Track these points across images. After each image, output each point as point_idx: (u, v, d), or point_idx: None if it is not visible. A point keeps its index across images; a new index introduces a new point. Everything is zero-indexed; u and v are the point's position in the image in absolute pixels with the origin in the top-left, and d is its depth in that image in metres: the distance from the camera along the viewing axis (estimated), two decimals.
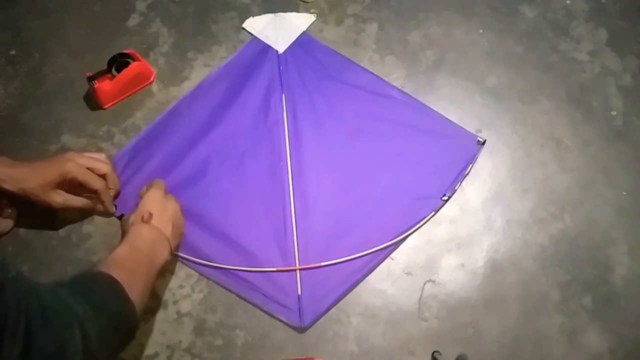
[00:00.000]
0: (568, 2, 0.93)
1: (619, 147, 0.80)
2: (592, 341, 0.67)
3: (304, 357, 0.65)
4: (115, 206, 0.71)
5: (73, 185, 0.66)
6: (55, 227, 0.72)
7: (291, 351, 0.66)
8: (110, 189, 0.70)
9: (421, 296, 0.69)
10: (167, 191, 0.72)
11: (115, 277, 0.52)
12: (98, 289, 0.51)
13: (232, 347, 0.66)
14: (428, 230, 0.73)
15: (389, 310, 0.68)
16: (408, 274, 0.71)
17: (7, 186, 0.62)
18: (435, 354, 0.65)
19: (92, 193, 0.68)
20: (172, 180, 0.74)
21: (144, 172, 0.75)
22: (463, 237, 0.73)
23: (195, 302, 0.68)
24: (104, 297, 0.50)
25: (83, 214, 0.72)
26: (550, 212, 0.75)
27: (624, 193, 0.77)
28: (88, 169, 0.67)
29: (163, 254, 0.62)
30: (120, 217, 0.71)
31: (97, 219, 0.73)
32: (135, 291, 0.54)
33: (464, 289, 0.70)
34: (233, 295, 0.69)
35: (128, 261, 0.57)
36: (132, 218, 0.64)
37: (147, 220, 0.63)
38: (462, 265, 0.71)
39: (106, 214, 0.71)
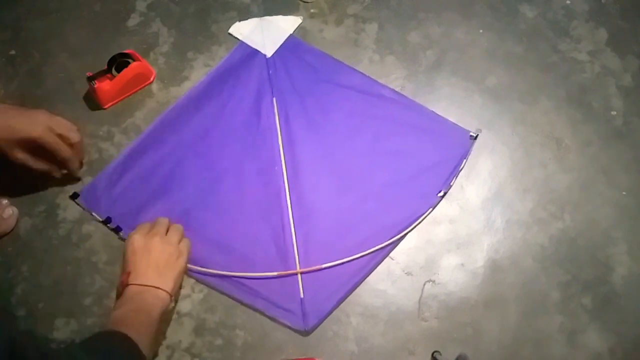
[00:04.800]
0: (568, 2, 0.93)
1: (619, 147, 0.80)
2: (592, 341, 0.67)
3: (304, 357, 0.65)
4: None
5: (39, 148, 0.67)
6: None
7: (291, 351, 0.66)
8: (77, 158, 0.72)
9: (421, 296, 0.69)
10: (162, 198, 0.73)
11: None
12: (115, 348, 0.51)
13: (232, 347, 0.66)
14: (428, 230, 0.73)
15: (389, 310, 0.68)
16: (408, 274, 0.71)
17: None
18: (435, 354, 0.65)
19: (60, 160, 0.70)
20: (166, 190, 0.74)
21: (138, 184, 0.75)
22: (463, 237, 0.73)
23: (195, 302, 0.68)
24: (121, 357, 0.51)
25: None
26: (550, 212, 0.75)
27: (624, 193, 0.77)
28: (59, 135, 0.68)
29: (157, 304, 0.59)
30: (105, 222, 0.71)
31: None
32: (144, 345, 0.54)
33: (464, 289, 0.70)
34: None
35: (128, 321, 0.56)
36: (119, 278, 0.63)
37: (125, 284, 0.60)
38: (462, 265, 0.71)
39: (72, 177, 0.73)
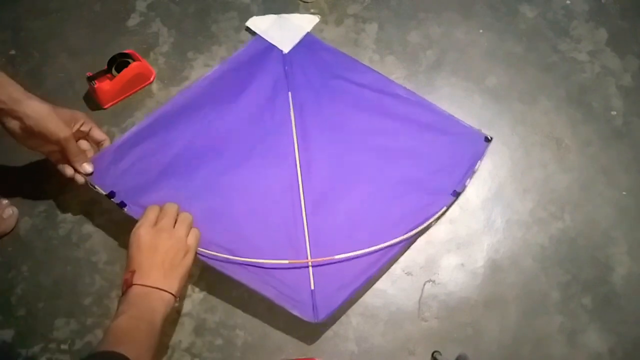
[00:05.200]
0: (568, 2, 0.93)
1: (619, 147, 0.80)
2: (592, 341, 0.67)
3: (304, 357, 0.65)
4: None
5: (75, 137, 0.68)
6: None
7: (291, 351, 0.66)
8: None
9: (421, 296, 0.69)
10: (171, 177, 0.72)
11: (124, 353, 0.50)
12: None
13: (232, 347, 0.66)
14: (428, 230, 0.73)
15: (389, 310, 0.68)
16: (408, 274, 0.71)
17: (16, 107, 0.62)
18: (435, 354, 0.65)
19: (96, 145, 0.72)
20: (176, 169, 0.73)
21: (147, 162, 0.73)
22: (463, 237, 0.73)
23: (195, 302, 0.68)
24: None
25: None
26: (550, 212, 0.75)
27: (624, 193, 0.77)
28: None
29: (161, 309, 0.57)
30: (109, 196, 0.69)
31: (97, 219, 0.73)
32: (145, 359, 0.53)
33: (464, 289, 0.70)
34: (233, 295, 0.68)
35: (129, 333, 0.54)
36: (124, 275, 0.60)
37: (129, 283, 0.58)
38: (462, 265, 0.71)
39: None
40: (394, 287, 0.70)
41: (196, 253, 0.65)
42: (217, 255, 0.67)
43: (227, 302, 0.68)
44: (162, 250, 0.60)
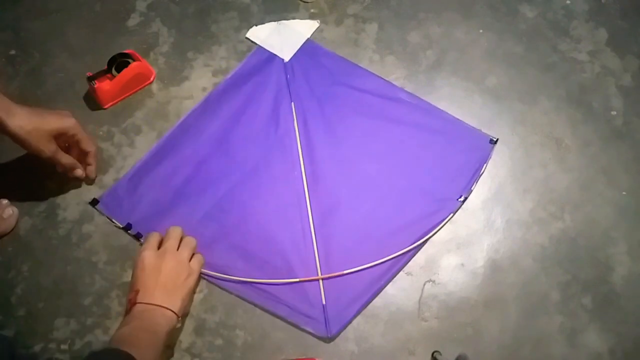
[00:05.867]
0: (568, 2, 0.93)
1: (619, 147, 0.80)
2: (592, 341, 0.67)
3: (304, 357, 0.65)
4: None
5: (64, 144, 0.70)
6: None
7: (291, 351, 0.66)
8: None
9: (421, 296, 0.69)
10: (181, 203, 0.73)
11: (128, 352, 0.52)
12: None
13: (232, 347, 0.66)
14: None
15: (389, 310, 0.68)
16: (408, 274, 0.71)
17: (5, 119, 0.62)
18: (435, 354, 0.65)
19: (83, 155, 0.72)
20: (185, 194, 0.74)
21: (158, 189, 0.74)
22: (463, 237, 0.73)
23: (195, 302, 0.68)
24: None
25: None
26: (550, 212, 0.75)
27: (624, 193, 0.77)
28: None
29: (164, 323, 0.59)
30: (126, 228, 0.71)
31: (97, 219, 0.73)
32: None
33: (464, 289, 0.70)
34: (233, 295, 0.68)
35: (132, 340, 0.55)
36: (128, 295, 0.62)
37: (133, 303, 0.59)
38: (462, 265, 0.71)
39: (86, 180, 0.74)
40: (394, 287, 0.70)
41: (202, 276, 0.67)
42: (228, 278, 0.68)
43: (227, 302, 0.68)
44: (165, 271, 0.62)
